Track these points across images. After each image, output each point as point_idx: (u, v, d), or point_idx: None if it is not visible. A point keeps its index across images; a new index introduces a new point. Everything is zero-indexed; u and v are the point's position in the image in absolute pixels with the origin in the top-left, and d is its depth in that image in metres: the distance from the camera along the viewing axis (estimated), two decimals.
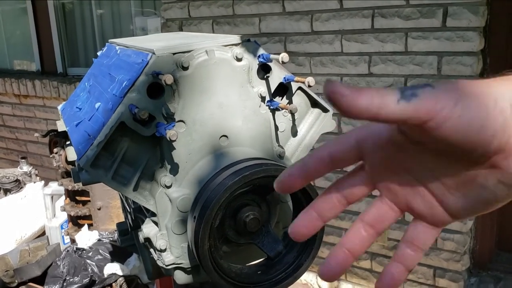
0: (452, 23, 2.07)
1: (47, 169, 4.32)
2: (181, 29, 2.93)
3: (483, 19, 2.05)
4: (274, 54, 1.07)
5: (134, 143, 1.02)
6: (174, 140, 0.95)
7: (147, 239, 1.08)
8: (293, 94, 1.15)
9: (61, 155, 3.15)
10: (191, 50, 1.02)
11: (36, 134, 3.40)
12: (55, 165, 3.23)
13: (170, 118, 1.00)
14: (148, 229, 1.07)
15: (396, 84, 2.27)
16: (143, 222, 1.13)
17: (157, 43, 1.18)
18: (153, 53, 1.01)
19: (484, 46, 2.11)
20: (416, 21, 2.15)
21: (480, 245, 2.38)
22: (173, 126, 0.97)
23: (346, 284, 2.73)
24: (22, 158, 4.00)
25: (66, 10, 4.29)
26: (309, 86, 1.07)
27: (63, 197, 3.38)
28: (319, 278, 2.82)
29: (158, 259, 1.07)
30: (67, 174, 3.19)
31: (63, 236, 3.46)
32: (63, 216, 3.48)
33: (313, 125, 1.21)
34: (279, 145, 1.15)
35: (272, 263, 1.01)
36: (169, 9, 2.94)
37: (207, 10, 2.78)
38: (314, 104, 1.20)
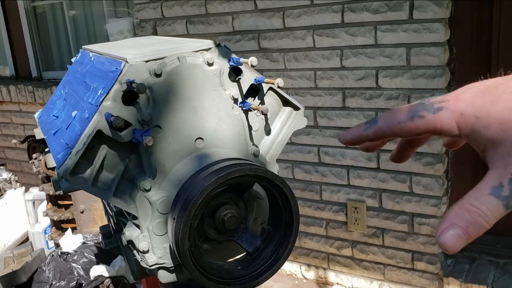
0: (418, 16, 2.13)
1: (27, 174, 4.29)
2: (155, 30, 2.94)
3: (448, 11, 2.12)
4: (249, 57, 1.11)
5: (112, 149, 1.05)
6: (151, 146, 0.98)
7: (130, 242, 1.11)
8: (264, 95, 1.19)
9: (40, 160, 3.15)
10: (163, 57, 1.05)
11: (14, 141, 3.38)
12: (35, 170, 3.22)
13: (145, 124, 1.03)
14: (130, 232, 1.10)
15: (368, 77, 2.34)
16: (125, 225, 1.16)
17: (129, 50, 1.21)
18: (126, 62, 1.04)
19: (450, 37, 2.18)
20: (384, 14, 2.21)
21: None
22: (149, 132, 1.00)
23: (330, 272, 2.80)
24: (1, 165, 3.97)
25: (38, 13, 4.24)
26: (279, 87, 1.12)
27: (45, 202, 3.37)
28: (303, 268, 2.89)
29: (141, 260, 1.10)
30: (47, 179, 3.18)
31: (47, 241, 3.46)
32: (46, 221, 3.47)
33: (285, 123, 1.26)
34: (253, 144, 1.20)
35: (251, 258, 1.05)
36: (142, 10, 2.95)
37: (180, 10, 2.79)
38: (286, 103, 1.25)
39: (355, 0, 2.26)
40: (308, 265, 2.87)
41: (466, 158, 2.40)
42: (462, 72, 2.25)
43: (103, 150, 1.04)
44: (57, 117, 1.33)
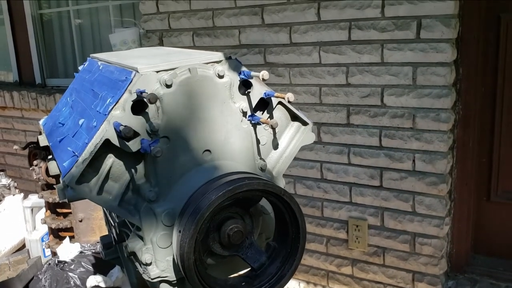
0: (425, 35, 2.14)
1: (26, 181, 4.27)
2: (161, 41, 2.95)
3: (455, 31, 2.13)
4: (255, 70, 1.11)
5: (119, 159, 1.04)
6: (159, 156, 0.97)
7: (132, 253, 1.09)
8: (273, 109, 1.19)
9: (41, 167, 3.13)
10: (174, 68, 1.05)
11: (16, 147, 3.37)
12: (35, 177, 3.20)
13: (154, 135, 1.02)
14: (133, 243, 1.08)
15: (373, 94, 2.34)
16: (128, 236, 1.15)
17: (139, 60, 1.20)
18: (137, 71, 1.03)
19: (457, 57, 2.18)
20: (391, 33, 2.21)
21: (456, 249, 2.45)
22: (157, 142, 0.99)
23: None
24: (1, 170, 3.95)
25: (44, 20, 4.26)
26: (289, 102, 1.11)
27: (44, 209, 3.35)
28: (302, 285, 2.85)
29: (143, 273, 1.09)
30: (47, 186, 3.16)
31: (44, 249, 3.43)
32: (44, 229, 3.44)
33: (293, 138, 1.25)
34: (260, 158, 1.19)
35: (256, 274, 1.04)
36: (149, 21, 2.96)
37: (187, 22, 2.81)
38: (294, 117, 1.24)
39: (363, 18, 2.27)
40: (307, 282, 2.84)
41: (470, 179, 2.39)
42: (468, 92, 2.25)
43: (110, 159, 1.03)
44: (63, 124, 1.31)
